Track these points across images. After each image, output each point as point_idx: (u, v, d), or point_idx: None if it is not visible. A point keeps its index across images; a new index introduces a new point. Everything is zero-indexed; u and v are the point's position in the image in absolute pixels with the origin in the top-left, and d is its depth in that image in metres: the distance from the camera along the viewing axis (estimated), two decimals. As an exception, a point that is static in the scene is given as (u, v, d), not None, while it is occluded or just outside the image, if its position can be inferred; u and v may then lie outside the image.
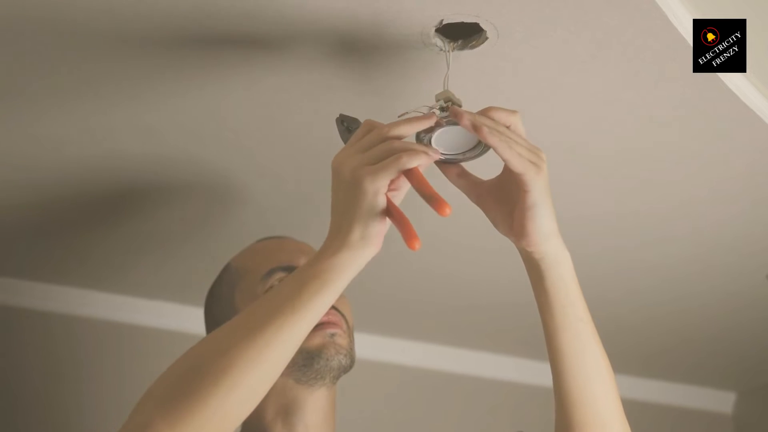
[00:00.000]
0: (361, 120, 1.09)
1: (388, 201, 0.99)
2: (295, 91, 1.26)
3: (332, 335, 1.23)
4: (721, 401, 2.50)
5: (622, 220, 1.61)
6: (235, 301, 1.30)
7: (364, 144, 1.00)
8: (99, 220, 1.65)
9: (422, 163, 0.98)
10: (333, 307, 1.23)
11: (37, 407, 1.89)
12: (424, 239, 1.69)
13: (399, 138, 1.00)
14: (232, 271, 1.35)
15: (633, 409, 2.37)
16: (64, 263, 1.83)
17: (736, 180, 1.46)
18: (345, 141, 1.11)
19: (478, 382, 2.29)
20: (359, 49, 1.15)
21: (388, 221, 1.00)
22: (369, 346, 2.09)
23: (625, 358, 2.29)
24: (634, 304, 1.95)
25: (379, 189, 0.97)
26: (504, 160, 1.00)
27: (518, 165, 1.00)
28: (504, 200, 1.07)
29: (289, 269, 1.28)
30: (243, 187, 1.54)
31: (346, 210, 1.00)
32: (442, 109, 1.04)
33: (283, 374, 1.19)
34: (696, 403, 2.48)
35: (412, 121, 1.01)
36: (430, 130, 1.03)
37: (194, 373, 0.97)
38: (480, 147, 1.06)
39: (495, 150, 1.00)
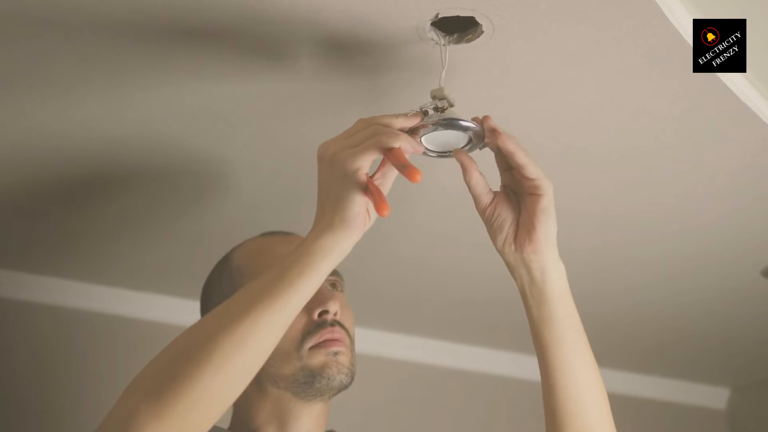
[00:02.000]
0: None
1: (368, 180, 1.00)
2: (290, 86, 1.26)
3: (335, 354, 1.21)
4: (715, 397, 2.51)
5: (617, 217, 1.61)
6: None
7: (349, 131, 1.02)
8: (88, 210, 1.64)
9: (403, 145, 0.99)
10: (337, 323, 1.22)
11: (26, 399, 1.88)
12: (421, 235, 1.71)
13: (382, 125, 1.01)
14: (233, 268, 1.33)
15: (627, 405, 2.39)
16: (52, 254, 1.82)
17: (733, 177, 1.46)
18: None
19: (474, 377, 2.29)
20: (355, 42, 1.15)
21: (369, 202, 1.00)
22: (364, 341, 2.08)
23: (619, 354, 2.29)
24: (629, 300, 1.95)
25: (359, 168, 0.98)
26: (520, 166, 1.05)
27: (533, 171, 1.05)
28: (508, 211, 1.10)
29: None
30: (237, 181, 1.53)
31: (328, 192, 1.01)
32: (436, 109, 1.06)
33: (281, 387, 1.20)
34: (690, 399, 2.49)
35: (399, 116, 1.03)
36: (424, 129, 1.05)
37: (179, 359, 0.97)
38: (468, 148, 1.09)
39: (511, 156, 1.05)
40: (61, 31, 1.15)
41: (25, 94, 1.30)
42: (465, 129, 1.06)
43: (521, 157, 1.05)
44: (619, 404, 2.49)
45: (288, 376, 1.19)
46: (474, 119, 1.07)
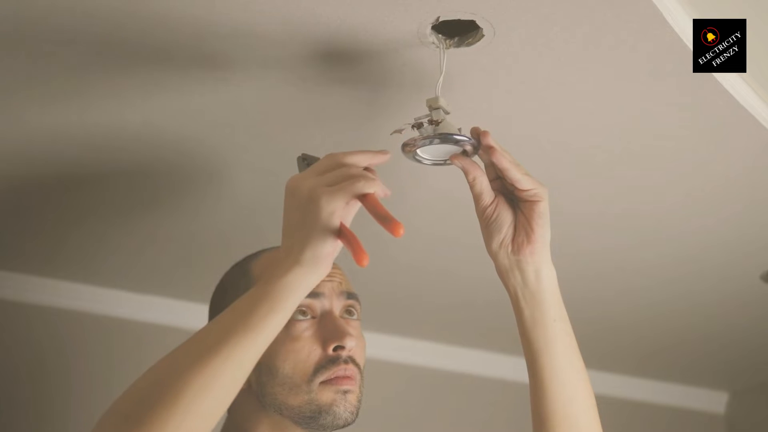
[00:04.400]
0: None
1: (341, 223, 0.99)
2: (290, 89, 1.26)
3: (345, 392, 1.19)
4: (713, 401, 2.51)
5: (615, 220, 1.61)
6: None
7: (321, 168, 1.01)
8: (83, 210, 1.63)
9: (377, 191, 0.99)
10: (351, 360, 1.20)
11: (17, 400, 1.88)
12: (419, 238, 1.71)
13: (355, 166, 1.01)
14: (251, 282, 1.27)
15: (626, 409, 2.40)
16: (44, 254, 1.82)
17: (731, 181, 1.46)
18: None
19: (473, 380, 2.29)
20: (355, 46, 1.15)
21: (339, 244, 1.00)
22: (363, 344, 2.09)
23: (618, 358, 2.29)
24: (628, 303, 1.95)
25: (334, 209, 0.98)
26: (514, 181, 1.08)
27: (528, 183, 1.08)
28: (507, 213, 1.11)
29: (314, 295, 1.22)
30: (234, 183, 1.53)
31: (300, 228, 1.00)
32: (431, 121, 1.08)
33: (284, 415, 1.18)
34: (689, 403, 2.49)
35: (367, 154, 1.03)
36: (418, 143, 1.08)
37: (151, 396, 0.96)
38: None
39: (505, 172, 1.07)
40: (64, 37, 1.15)
41: (23, 96, 1.30)
42: (458, 142, 1.08)
43: (514, 173, 1.07)
44: (618, 408, 2.49)
45: (294, 407, 1.17)
46: (473, 130, 1.08)
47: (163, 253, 1.79)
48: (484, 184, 1.10)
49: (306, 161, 1.13)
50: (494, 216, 1.11)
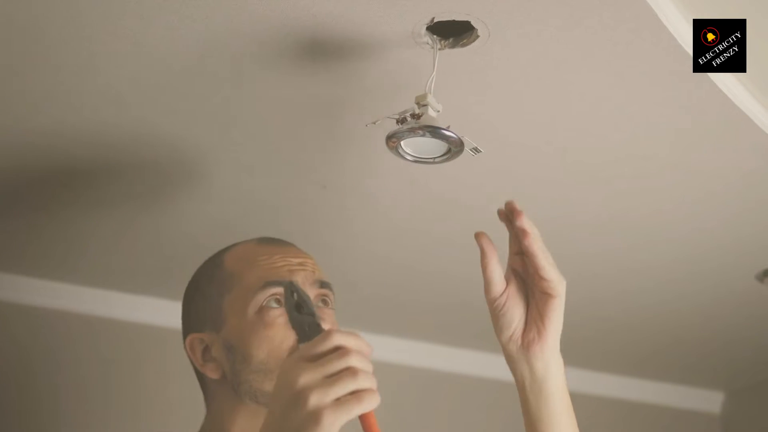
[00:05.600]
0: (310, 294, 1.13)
1: None
2: (286, 89, 1.25)
3: None
4: (709, 401, 2.51)
5: (612, 222, 1.61)
6: (223, 308, 1.23)
7: (325, 366, 0.93)
8: (73, 209, 1.63)
9: (376, 406, 0.94)
10: None
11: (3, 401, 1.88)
12: (415, 238, 1.70)
13: (361, 369, 0.94)
14: (225, 273, 1.27)
15: (623, 409, 2.40)
16: (31, 253, 1.82)
17: (728, 182, 1.46)
18: (288, 310, 1.08)
19: (469, 381, 2.28)
20: (350, 46, 1.14)
21: None
22: (360, 344, 2.08)
23: (615, 358, 2.29)
24: (624, 305, 1.95)
25: (338, 427, 0.91)
26: (538, 267, 1.04)
27: (550, 273, 1.04)
28: (517, 307, 1.09)
29: (284, 285, 1.21)
30: (228, 181, 1.52)
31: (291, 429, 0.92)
32: (414, 115, 1.08)
33: (260, 402, 1.18)
34: (685, 403, 2.49)
35: (369, 347, 0.96)
36: (403, 134, 1.08)
37: None
38: (445, 157, 1.12)
39: (532, 257, 1.04)
40: (58, 37, 1.15)
41: (15, 94, 1.29)
42: (444, 137, 1.08)
43: (541, 260, 1.04)
44: (615, 408, 2.47)
45: (269, 393, 1.15)
46: (508, 204, 1.05)
47: (153, 252, 1.78)
48: (495, 272, 1.08)
49: (294, 294, 1.06)
50: (504, 309, 1.09)
